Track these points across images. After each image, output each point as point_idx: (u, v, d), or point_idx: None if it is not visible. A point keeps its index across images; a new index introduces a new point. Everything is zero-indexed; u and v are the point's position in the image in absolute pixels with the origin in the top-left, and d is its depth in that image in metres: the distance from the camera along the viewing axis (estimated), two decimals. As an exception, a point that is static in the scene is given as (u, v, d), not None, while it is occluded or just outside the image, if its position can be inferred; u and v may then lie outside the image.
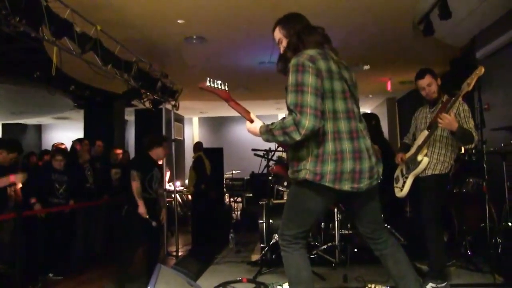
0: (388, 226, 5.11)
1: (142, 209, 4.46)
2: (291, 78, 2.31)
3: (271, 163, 5.61)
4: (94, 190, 6.11)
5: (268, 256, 4.77)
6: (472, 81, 3.30)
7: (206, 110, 13.00)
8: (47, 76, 6.72)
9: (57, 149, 6.05)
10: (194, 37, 6.11)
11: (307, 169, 2.33)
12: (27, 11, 3.56)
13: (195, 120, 14.50)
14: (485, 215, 4.49)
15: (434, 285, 3.48)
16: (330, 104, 2.34)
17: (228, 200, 10.00)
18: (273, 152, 5.63)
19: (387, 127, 11.54)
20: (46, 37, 3.91)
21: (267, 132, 2.38)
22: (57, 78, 7.00)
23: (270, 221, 4.92)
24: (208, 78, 2.53)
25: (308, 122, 2.22)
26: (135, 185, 4.50)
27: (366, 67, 7.05)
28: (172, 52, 6.80)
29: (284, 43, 2.57)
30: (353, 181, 2.33)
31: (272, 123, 2.39)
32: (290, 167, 2.49)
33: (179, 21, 5.50)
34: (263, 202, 5.07)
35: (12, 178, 4.30)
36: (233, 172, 10.50)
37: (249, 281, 4.21)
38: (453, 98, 3.46)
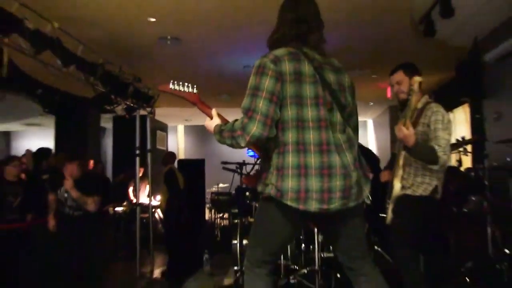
0: (379, 249, 5.00)
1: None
2: (250, 80, 2.26)
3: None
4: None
5: (241, 280, 4.65)
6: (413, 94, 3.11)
7: (191, 117, 12.94)
8: (9, 78, 6.65)
9: (9, 157, 5.94)
10: (168, 37, 6.03)
11: (272, 184, 2.23)
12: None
13: (180, 128, 14.45)
14: (487, 238, 4.37)
15: None
16: (294, 111, 2.22)
17: (213, 216, 9.88)
18: (248, 166, 5.53)
19: (389, 137, 11.42)
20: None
21: (219, 132, 2.33)
22: (20, 81, 6.95)
23: (245, 241, 4.77)
24: (172, 80, 2.48)
25: (254, 129, 2.15)
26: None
27: (360, 72, 6.95)
28: (145, 54, 6.73)
29: None
30: (322, 201, 2.18)
31: (226, 124, 2.34)
32: (258, 179, 2.39)
33: (150, 19, 5.42)
34: (237, 221, 4.95)
35: None
36: (221, 185, 10.38)
37: (216, 308, 4.08)
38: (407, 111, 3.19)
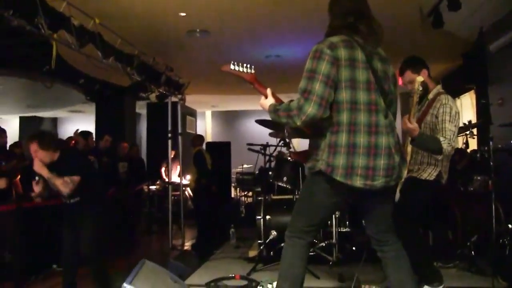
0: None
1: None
2: (307, 64, 2.28)
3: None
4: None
5: (265, 252, 4.72)
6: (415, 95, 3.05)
7: (217, 104, 13.01)
8: (57, 69, 6.83)
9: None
10: (197, 30, 6.07)
11: (323, 159, 2.27)
12: (20, 4, 3.56)
13: (208, 114, 14.50)
14: (491, 214, 4.35)
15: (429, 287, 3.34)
16: (348, 94, 2.25)
17: (238, 194, 9.96)
18: (273, 148, 5.56)
19: (400, 123, 11.27)
20: (42, 31, 3.91)
21: (274, 111, 2.35)
22: (66, 72, 7.12)
23: (268, 217, 4.82)
24: (232, 61, 2.48)
25: (310, 109, 2.18)
26: None
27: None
28: (176, 46, 6.79)
29: None
30: (366, 177, 2.24)
31: (281, 103, 2.36)
32: (309, 155, 2.43)
33: (181, 14, 5.47)
34: (261, 198, 4.99)
35: None
36: (245, 166, 10.43)
37: (241, 277, 4.15)
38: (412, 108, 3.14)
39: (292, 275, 2.39)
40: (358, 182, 2.23)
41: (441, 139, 3.05)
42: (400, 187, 3.37)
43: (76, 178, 3.59)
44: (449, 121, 3.13)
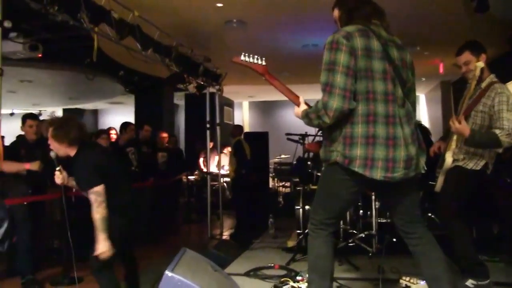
0: (432, 216, 4.91)
1: None
2: (324, 56, 2.25)
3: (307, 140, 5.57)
4: (138, 173, 6.17)
5: (303, 243, 4.71)
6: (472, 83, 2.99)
7: (254, 94, 13.02)
8: (97, 62, 7.01)
9: (100, 131, 6.23)
10: (234, 20, 6.09)
11: (338, 151, 2.25)
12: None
13: (245, 104, 14.55)
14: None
15: (475, 282, 3.22)
16: (364, 84, 2.22)
17: (275, 184, 9.98)
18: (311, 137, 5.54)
19: (441, 112, 11.01)
20: (84, 25, 4.02)
21: (306, 115, 2.34)
22: (106, 64, 7.30)
23: (307, 207, 4.82)
24: (243, 53, 2.51)
25: (335, 104, 2.16)
26: None
27: (411, 49, 6.67)
28: (213, 36, 6.82)
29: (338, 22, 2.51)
30: (387, 169, 2.20)
31: (311, 107, 2.35)
32: (323, 146, 2.41)
33: (218, 5, 5.49)
34: (300, 188, 5.00)
35: (27, 165, 4.22)
36: (282, 156, 10.44)
37: (281, 267, 4.18)
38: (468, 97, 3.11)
39: (320, 266, 2.39)
40: (378, 175, 2.20)
41: (497, 131, 2.96)
42: (444, 177, 3.30)
43: (99, 189, 2.86)
44: (507, 110, 3.02)
